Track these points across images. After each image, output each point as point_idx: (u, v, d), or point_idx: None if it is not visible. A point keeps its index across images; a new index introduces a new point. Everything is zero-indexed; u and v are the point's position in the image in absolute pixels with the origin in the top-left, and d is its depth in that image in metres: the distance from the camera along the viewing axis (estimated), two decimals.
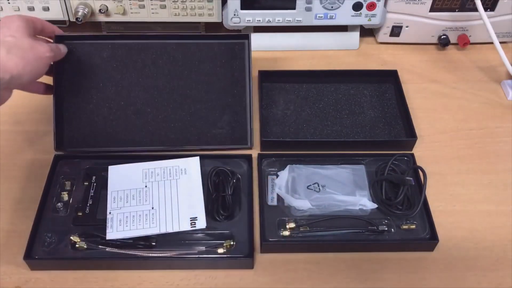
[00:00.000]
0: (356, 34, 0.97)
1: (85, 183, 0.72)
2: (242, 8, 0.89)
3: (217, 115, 0.79)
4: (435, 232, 0.67)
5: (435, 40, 0.96)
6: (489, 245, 0.69)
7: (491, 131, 0.83)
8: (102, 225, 0.67)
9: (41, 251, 0.65)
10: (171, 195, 0.70)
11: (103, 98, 0.78)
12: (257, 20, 0.91)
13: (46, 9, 0.90)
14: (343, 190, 0.72)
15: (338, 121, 0.83)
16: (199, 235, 0.67)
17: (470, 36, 0.95)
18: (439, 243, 0.67)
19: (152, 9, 0.91)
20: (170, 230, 0.66)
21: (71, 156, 0.75)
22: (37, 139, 0.80)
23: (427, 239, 0.68)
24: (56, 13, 0.91)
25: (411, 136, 0.79)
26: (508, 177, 0.77)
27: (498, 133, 0.83)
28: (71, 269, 0.65)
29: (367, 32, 0.99)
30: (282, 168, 0.74)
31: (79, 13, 0.88)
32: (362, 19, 0.92)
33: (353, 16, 0.91)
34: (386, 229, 0.68)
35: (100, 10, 0.90)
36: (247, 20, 0.91)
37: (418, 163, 0.75)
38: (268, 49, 0.96)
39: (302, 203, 0.69)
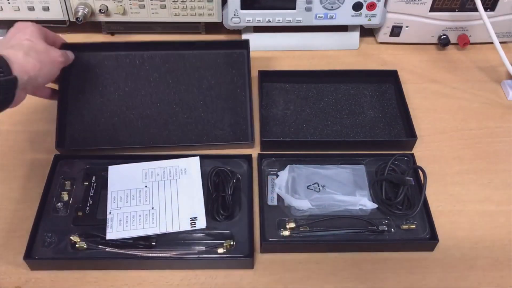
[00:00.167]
0: (356, 34, 0.97)
1: (85, 183, 0.72)
2: (242, 8, 0.89)
3: (218, 118, 0.80)
4: (435, 232, 0.67)
5: (435, 40, 0.96)
6: (489, 245, 0.69)
7: (491, 131, 0.83)
8: (102, 225, 0.67)
9: (41, 251, 0.65)
10: (171, 195, 0.70)
11: (106, 102, 0.80)
12: (257, 20, 0.91)
13: (46, 9, 0.90)
14: (343, 190, 0.72)
15: (338, 121, 0.83)
16: (199, 235, 0.67)
17: (470, 36, 0.95)
18: (439, 243, 0.67)
19: (152, 9, 0.91)
20: (170, 230, 0.66)
21: (71, 156, 0.75)
22: (37, 139, 0.80)
23: (427, 239, 0.68)
24: (56, 13, 0.91)
25: (411, 136, 0.79)
26: (508, 177, 0.77)
27: (498, 133, 0.83)
28: (71, 269, 0.65)
29: (367, 32, 0.99)
30: (282, 168, 0.74)
31: (79, 13, 0.88)
32: (362, 19, 0.92)
33: (353, 16, 0.91)
34: (386, 229, 0.68)
35: (100, 10, 0.90)
36: (247, 20, 0.91)
37: (418, 163, 0.75)
38: (268, 49, 0.96)
39: (302, 203, 0.69)
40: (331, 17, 0.91)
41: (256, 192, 0.72)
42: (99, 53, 0.82)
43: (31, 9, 0.90)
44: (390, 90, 0.88)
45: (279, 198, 0.71)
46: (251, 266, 0.66)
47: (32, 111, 0.83)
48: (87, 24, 0.92)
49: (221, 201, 0.70)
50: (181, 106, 0.80)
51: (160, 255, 0.65)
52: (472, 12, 0.91)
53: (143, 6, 0.91)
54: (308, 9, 0.90)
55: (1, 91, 0.59)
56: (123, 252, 0.65)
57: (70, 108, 0.79)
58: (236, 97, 0.81)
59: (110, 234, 0.66)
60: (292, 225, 0.67)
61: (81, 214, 0.69)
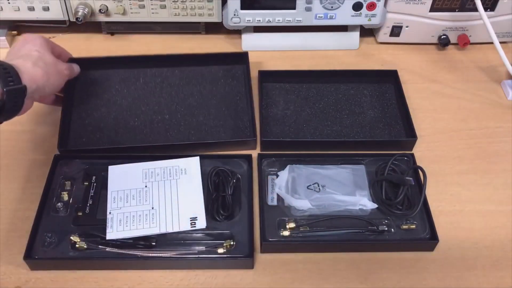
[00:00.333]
0: (356, 34, 0.97)
1: (85, 183, 0.72)
2: (242, 8, 0.89)
3: (220, 123, 0.81)
4: (435, 232, 0.67)
5: (435, 40, 0.96)
6: (489, 245, 0.69)
7: (491, 131, 0.83)
8: (102, 225, 0.67)
9: (41, 251, 0.65)
10: (171, 195, 0.70)
11: (109, 111, 0.82)
12: (257, 20, 0.91)
13: (46, 9, 0.90)
14: (343, 190, 0.72)
15: (338, 121, 0.83)
16: (199, 235, 0.67)
17: (470, 36, 0.95)
18: (439, 243, 0.67)
19: (152, 9, 0.91)
20: (170, 230, 0.66)
21: (71, 156, 0.75)
22: (37, 139, 0.80)
23: (427, 239, 0.68)
24: (56, 13, 0.91)
25: (411, 136, 0.79)
26: (508, 177, 0.77)
27: (498, 133, 0.83)
28: (71, 269, 0.65)
29: (367, 32, 0.99)
30: (282, 168, 0.74)
31: (79, 13, 0.88)
32: (362, 19, 0.92)
33: (353, 16, 0.91)
34: (386, 229, 0.68)
35: (100, 10, 0.90)
36: (247, 20, 0.91)
37: (418, 163, 0.75)
38: (268, 49, 0.96)
39: (302, 203, 0.69)
40: (331, 17, 0.91)
41: (256, 192, 0.72)
42: (104, 70, 0.87)
43: (31, 9, 0.90)
44: (390, 90, 0.88)
45: (279, 198, 0.71)
46: (251, 266, 0.66)
47: (33, 112, 0.83)
48: (87, 24, 0.92)
49: (221, 201, 0.70)
50: (183, 114, 0.82)
51: (160, 255, 0.65)
52: (472, 12, 0.91)
53: (143, 6, 0.91)
54: (308, 9, 0.90)
55: (11, 99, 0.61)
56: (123, 252, 0.65)
57: (74, 114, 0.82)
58: (237, 105, 0.83)
59: (110, 234, 0.66)
60: (292, 225, 0.67)
61: (81, 214, 0.69)
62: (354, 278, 0.66)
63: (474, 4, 0.87)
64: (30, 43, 0.71)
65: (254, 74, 0.87)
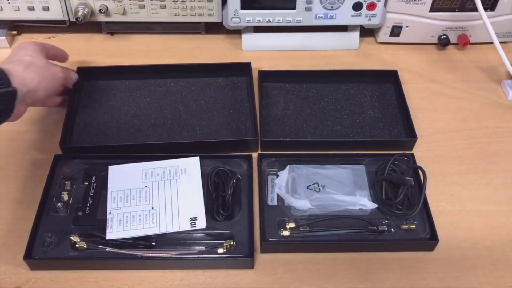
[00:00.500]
0: (356, 34, 0.97)
1: (85, 183, 0.72)
2: (242, 8, 0.89)
3: (223, 128, 0.81)
4: (435, 232, 0.67)
5: (435, 40, 0.96)
6: (489, 245, 0.69)
7: (491, 131, 0.83)
8: (102, 225, 0.67)
9: (41, 251, 0.65)
10: (171, 195, 0.70)
11: (114, 116, 0.83)
12: (257, 20, 0.91)
13: (46, 9, 0.90)
14: (343, 190, 0.72)
15: (338, 121, 0.83)
16: (199, 235, 0.67)
17: (470, 36, 0.95)
18: (439, 243, 0.67)
19: (152, 9, 0.91)
20: (170, 230, 0.66)
21: (71, 156, 0.75)
22: (37, 139, 0.80)
23: (427, 239, 0.68)
24: (56, 13, 0.91)
25: (411, 136, 0.79)
26: (508, 177, 0.77)
27: (498, 133, 0.83)
28: (71, 269, 0.65)
29: (367, 32, 0.99)
30: (282, 168, 0.74)
31: (79, 13, 0.88)
32: (362, 19, 0.92)
33: (353, 16, 0.91)
34: (386, 229, 0.68)
35: (100, 10, 0.90)
36: (247, 20, 0.91)
37: (418, 163, 0.75)
38: (268, 49, 0.96)
39: (302, 203, 0.69)
40: (331, 17, 0.91)
41: (256, 192, 0.72)
42: (109, 79, 0.88)
43: (31, 9, 0.90)
44: (390, 90, 0.88)
45: (279, 198, 0.71)
46: (251, 266, 0.66)
47: (33, 112, 0.83)
48: (87, 24, 0.92)
49: (221, 201, 0.70)
50: (185, 119, 0.82)
51: (160, 255, 0.65)
52: (472, 12, 0.91)
53: (143, 6, 0.91)
54: (308, 9, 0.90)
55: (1, 102, 0.61)
56: (123, 252, 0.65)
57: (77, 118, 0.82)
58: (240, 112, 0.84)
59: (110, 234, 0.66)
60: (292, 225, 0.67)
61: (81, 214, 0.68)
62: (354, 278, 0.66)
63: (474, 4, 0.87)
64: (23, 49, 0.72)
65: (254, 74, 0.87)
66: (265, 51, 0.96)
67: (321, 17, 0.91)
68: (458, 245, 0.69)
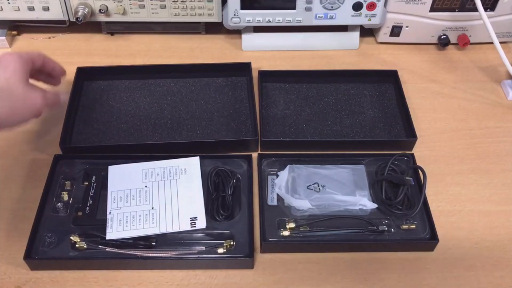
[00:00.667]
0: (356, 34, 0.97)
1: (85, 183, 0.72)
2: (242, 8, 0.89)
3: (223, 127, 0.81)
4: (435, 232, 0.67)
5: (435, 40, 0.96)
6: (489, 245, 0.69)
7: (491, 131, 0.83)
8: (102, 225, 0.67)
9: (41, 251, 0.65)
10: (171, 195, 0.70)
11: (113, 114, 0.83)
12: (257, 20, 0.91)
13: (46, 9, 0.90)
14: (343, 190, 0.72)
15: (338, 121, 0.83)
16: (199, 235, 0.67)
17: (470, 36, 0.95)
18: (439, 243, 0.67)
19: (152, 9, 0.91)
20: (170, 230, 0.66)
21: (71, 156, 0.75)
22: (37, 139, 0.80)
23: (427, 239, 0.68)
24: (56, 13, 0.91)
25: (411, 136, 0.79)
26: (508, 177, 0.77)
27: (498, 133, 0.83)
28: (71, 269, 0.65)
29: (367, 32, 0.99)
30: (282, 168, 0.74)
31: (79, 13, 0.88)
32: (362, 19, 0.92)
33: (353, 16, 0.91)
34: (386, 229, 0.68)
35: (100, 10, 0.90)
36: (247, 20, 0.91)
37: (418, 163, 0.75)
38: (268, 49, 0.96)
39: (302, 203, 0.69)
40: (331, 17, 0.91)
41: (256, 192, 0.72)
42: (109, 80, 0.87)
43: (31, 9, 0.90)
44: (390, 90, 0.88)
45: (279, 198, 0.71)
46: (251, 266, 0.66)
47: None
48: (87, 24, 0.92)
49: (221, 201, 0.70)
50: (185, 119, 0.82)
51: (160, 255, 0.65)
52: (472, 12, 0.91)
53: (143, 6, 0.91)
54: (308, 9, 0.90)
55: None
56: (123, 252, 0.65)
57: (77, 118, 0.82)
58: (240, 112, 0.84)
59: (110, 234, 0.66)
60: (292, 225, 0.67)
61: (81, 214, 0.68)
62: (354, 278, 0.66)
63: (474, 4, 0.87)
64: (2, 68, 0.61)
65: (254, 74, 0.87)
66: (265, 51, 0.96)
67: (321, 17, 0.91)
68: (458, 245, 0.69)
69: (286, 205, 0.70)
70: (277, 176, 0.73)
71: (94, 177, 0.72)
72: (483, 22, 0.85)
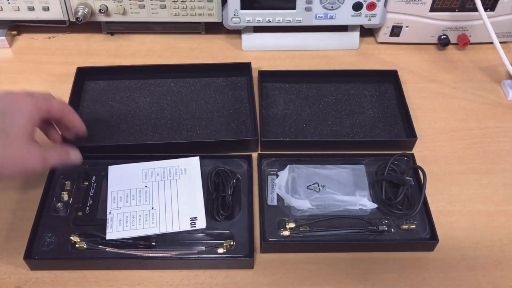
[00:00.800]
0: (356, 34, 0.97)
1: (85, 183, 0.72)
2: (242, 8, 0.89)
3: (223, 127, 0.81)
4: (435, 232, 0.67)
5: (435, 40, 0.96)
6: (489, 245, 0.69)
7: (491, 131, 0.83)
8: (102, 225, 0.67)
9: (41, 251, 0.65)
10: (171, 195, 0.70)
11: (113, 115, 0.83)
12: (257, 20, 0.91)
13: (46, 9, 0.90)
14: (343, 190, 0.72)
15: (338, 121, 0.83)
16: (199, 235, 0.67)
17: (470, 36, 0.95)
18: (439, 243, 0.67)
19: (152, 9, 0.91)
20: (170, 230, 0.66)
21: None
22: (37, 139, 0.80)
23: (427, 239, 0.68)
24: (56, 13, 0.91)
25: (411, 136, 0.79)
26: (508, 177, 0.77)
27: (498, 133, 0.83)
28: (71, 269, 0.65)
29: (367, 32, 0.99)
30: (282, 168, 0.74)
31: (79, 13, 0.88)
32: (362, 19, 0.92)
33: (353, 16, 0.91)
34: (386, 229, 0.68)
35: (100, 10, 0.90)
36: (247, 20, 0.91)
37: (418, 163, 0.75)
38: (268, 49, 0.96)
39: (302, 203, 0.69)
40: (331, 17, 0.91)
41: (256, 192, 0.72)
42: (109, 80, 0.87)
43: (31, 9, 0.90)
44: (390, 90, 0.88)
45: (279, 198, 0.71)
46: (251, 266, 0.66)
47: None
48: (87, 24, 0.92)
49: (221, 201, 0.70)
50: (185, 119, 0.82)
51: (160, 255, 0.65)
52: (472, 12, 0.91)
53: (143, 6, 0.91)
54: (308, 9, 0.90)
55: None
56: (123, 252, 0.65)
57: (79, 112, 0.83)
58: (240, 111, 0.84)
59: (110, 234, 0.66)
60: (292, 225, 0.67)
61: (81, 214, 0.68)
62: (354, 278, 0.66)
63: (474, 4, 0.87)
64: (9, 115, 0.53)
65: (254, 74, 0.87)
66: (265, 51, 0.96)
67: (321, 17, 0.91)
68: (458, 245, 0.69)
69: (286, 205, 0.70)
70: (277, 176, 0.73)
71: (94, 177, 0.72)
72: (483, 22, 0.85)
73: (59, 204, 0.69)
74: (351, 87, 0.88)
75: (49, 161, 0.59)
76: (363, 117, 0.83)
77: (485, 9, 0.88)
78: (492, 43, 0.85)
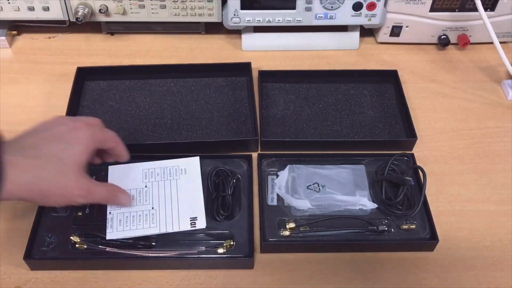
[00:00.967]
0: (356, 34, 0.97)
1: None
2: (242, 8, 0.89)
3: (223, 127, 0.81)
4: (435, 232, 0.67)
5: (435, 40, 0.96)
6: (489, 245, 0.69)
7: (491, 131, 0.83)
8: (102, 225, 0.67)
9: (41, 251, 0.65)
10: (171, 195, 0.70)
11: (113, 115, 0.83)
12: (257, 20, 0.91)
13: (46, 9, 0.90)
14: (343, 190, 0.72)
15: (338, 121, 0.83)
16: (199, 235, 0.67)
17: (470, 36, 0.95)
18: (439, 243, 0.67)
19: (152, 9, 0.91)
20: (170, 230, 0.66)
21: None
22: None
23: (427, 239, 0.68)
24: (56, 13, 0.91)
25: (411, 136, 0.79)
26: (508, 177, 0.77)
27: (498, 133, 0.83)
28: (71, 269, 0.65)
29: (367, 32, 0.99)
30: (282, 168, 0.74)
31: (79, 13, 0.88)
32: (362, 19, 0.92)
33: (353, 16, 0.91)
34: (386, 229, 0.68)
35: (100, 10, 0.90)
36: (247, 20, 0.91)
37: (418, 163, 0.75)
38: (268, 49, 0.96)
39: (302, 203, 0.69)
40: (331, 17, 0.91)
41: (256, 192, 0.72)
42: (109, 79, 0.87)
43: (31, 9, 0.90)
44: (390, 90, 0.88)
45: (279, 198, 0.71)
46: (251, 266, 0.66)
47: (32, 111, 0.83)
48: (87, 24, 0.92)
49: (221, 201, 0.70)
50: (185, 119, 0.82)
51: (160, 255, 0.65)
52: (472, 12, 0.91)
53: (143, 6, 0.91)
54: (308, 9, 0.90)
55: None
56: (123, 252, 0.65)
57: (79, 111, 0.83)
58: (240, 111, 0.84)
59: (110, 234, 0.66)
60: (292, 225, 0.67)
61: (81, 214, 0.68)
62: (354, 278, 0.66)
63: (474, 4, 0.87)
64: (69, 139, 0.53)
65: (254, 74, 0.87)
66: (265, 51, 0.96)
67: (321, 17, 0.91)
68: (458, 245, 0.69)
69: (286, 205, 0.70)
70: (277, 176, 0.73)
71: (94, 177, 0.72)
72: (483, 22, 0.85)
73: None
74: (351, 87, 0.88)
75: (95, 197, 0.58)
76: (363, 117, 0.83)
77: (485, 9, 0.88)
78: (492, 43, 0.85)
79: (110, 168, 0.72)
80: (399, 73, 0.88)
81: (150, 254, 0.65)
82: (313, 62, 0.94)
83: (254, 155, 0.76)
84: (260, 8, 0.89)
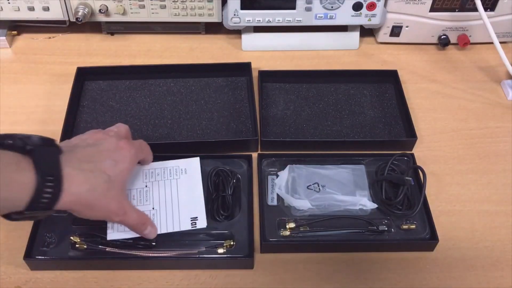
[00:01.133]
0: (356, 34, 0.97)
1: None
2: (242, 8, 0.89)
3: (223, 127, 0.81)
4: (435, 232, 0.67)
5: (435, 40, 0.96)
6: (489, 245, 0.69)
7: (491, 131, 0.83)
8: (102, 225, 0.67)
9: (41, 251, 0.65)
10: (172, 195, 0.70)
11: (113, 115, 0.83)
12: (257, 20, 0.91)
13: (46, 9, 0.90)
14: (343, 190, 0.72)
15: (338, 121, 0.83)
16: (199, 235, 0.67)
17: (470, 36, 0.95)
18: (439, 243, 0.67)
19: (152, 9, 0.91)
20: (170, 230, 0.66)
21: None
22: None
23: (427, 239, 0.68)
24: (56, 13, 0.91)
25: (411, 136, 0.79)
26: (508, 177, 0.77)
27: (498, 133, 0.83)
28: (71, 269, 0.65)
29: (367, 32, 0.99)
30: (282, 168, 0.74)
31: (79, 13, 0.88)
32: (362, 19, 0.92)
33: (353, 16, 0.91)
34: (386, 229, 0.68)
35: (100, 10, 0.90)
36: (247, 20, 0.91)
37: (418, 163, 0.75)
38: (268, 49, 0.96)
39: (302, 203, 0.69)
40: (331, 17, 0.91)
41: (256, 192, 0.72)
42: (110, 79, 0.87)
43: (31, 9, 0.90)
44: (390, 90, 0.88)
45: (279, 198, 0.71)
46: (251, 266, 0.66)
47: (32, 111, 0.83)
48: (87, 24, 0.92)
49: (221, 201, 0.70)
50: (185, 119, 0.82)
51: (160, 255, 0.65)
52: (472, 12, 0.91)
53: (143, 6, 0.91)
54: (308, 9, 0.90)
55: (28, 215, 0.50)
56: (123, 252, 0.65)
57: (78, 118, 0.82)
58: (240, 111, 0.84)
59: (111, 235, 0.66)
60: (292, 225, 0.67)
61: None
62: (354, 278, 0.66)
63: (474, 4, 0.87)
64: (116, 157, 0.55)
65: (254, 74, 0.87)
66: (265, 51, 0.96)
67: (321, 17, 0.91)
68: (458, 245, 0.69)
69: (286, 205, 0.70)
70: (277, 176, 0.73)
71: None
72: (483, 22, 0.85)
73: None
74: (351, 87, 0.88)
75: (128, 220, 0.59)
76: (363, 117, 0.83)
77: (485, 9, 0.88)
78: (492, 43, 0.85)
79: None
80: (399, 73, 0.88)
81: (150, 254, 0.65)
82: (313, 62, 0.94)
83: (254, 155, 0.76)
84: (260, 8, 0.89)
